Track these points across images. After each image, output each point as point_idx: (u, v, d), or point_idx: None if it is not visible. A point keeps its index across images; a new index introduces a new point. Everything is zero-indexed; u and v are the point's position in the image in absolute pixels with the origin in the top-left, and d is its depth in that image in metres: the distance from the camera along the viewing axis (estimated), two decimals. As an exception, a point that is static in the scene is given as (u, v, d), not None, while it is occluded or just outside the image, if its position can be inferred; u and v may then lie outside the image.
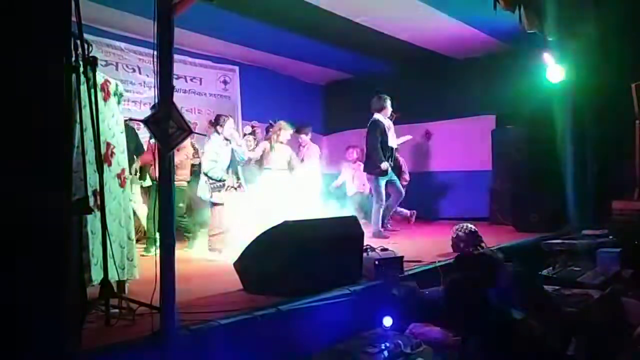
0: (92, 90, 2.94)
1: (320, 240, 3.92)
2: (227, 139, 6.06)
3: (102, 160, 3.01)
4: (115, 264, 3.56)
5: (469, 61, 9.16)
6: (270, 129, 7.29)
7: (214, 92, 9.52)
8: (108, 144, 3.58)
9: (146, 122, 2.72)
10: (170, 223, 2.77)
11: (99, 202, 3.15)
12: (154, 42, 2.72)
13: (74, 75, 2.89)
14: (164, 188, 2.77)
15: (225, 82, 9.74)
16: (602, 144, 7.30)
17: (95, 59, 2.91)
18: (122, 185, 3.77)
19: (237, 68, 9.79)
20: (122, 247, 3.70)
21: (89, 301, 2.97)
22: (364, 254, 4.31)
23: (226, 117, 6.25)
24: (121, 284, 3.73)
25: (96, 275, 3.23)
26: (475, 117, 8.92)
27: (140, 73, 8.30)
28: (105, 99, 3.60)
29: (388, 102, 7.29)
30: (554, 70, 7.19)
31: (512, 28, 6.74)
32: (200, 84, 9.33)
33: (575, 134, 7.28)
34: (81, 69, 2.86)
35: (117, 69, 8.05)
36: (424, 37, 8.37)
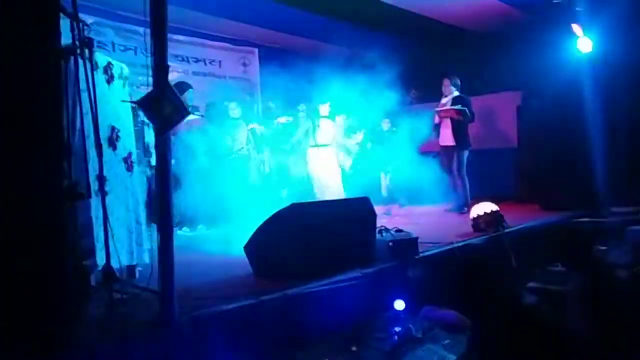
0: (90, 73, 2.89)
1: (330, 223, 3.82)
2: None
3: (101, 143, 2.95)
4: (125, 248, 3.55)
5: (492, 35, 8.79)
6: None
7: (233, 74, 9.45)
8: (113, 128, 3.53)
9: (140, 103, 2.65)
10: (168, 207, 2.70)
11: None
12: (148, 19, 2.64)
13: (72, 58, 2.86)
14: (162, 173, 2.69)
15: (244, 65, 9.66)
16: (633, 119, 6.97)
17: (90, 40, 2.85)
18: (129, 169, 3.72)
19: (256, 50, 9.69)
20: (130, 231, 3.67)
21: (92, 286, 2.96)
22: (378, 236, 4.21)
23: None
24: (131, 268, 3.72)
25: (101, 260, 3.21)
26: (499, 93, 8.63)
27: (158, 57, 8.30)
28: (108, 82, 3.54)
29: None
30: (582, 43, 6.87)
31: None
32: (220, 66, 9.26)
33: (604, 109, 6.95)
34: (78, 51, 2.82)
35: (135, 54, 8.03)
36: (445, 10, 8.09)
